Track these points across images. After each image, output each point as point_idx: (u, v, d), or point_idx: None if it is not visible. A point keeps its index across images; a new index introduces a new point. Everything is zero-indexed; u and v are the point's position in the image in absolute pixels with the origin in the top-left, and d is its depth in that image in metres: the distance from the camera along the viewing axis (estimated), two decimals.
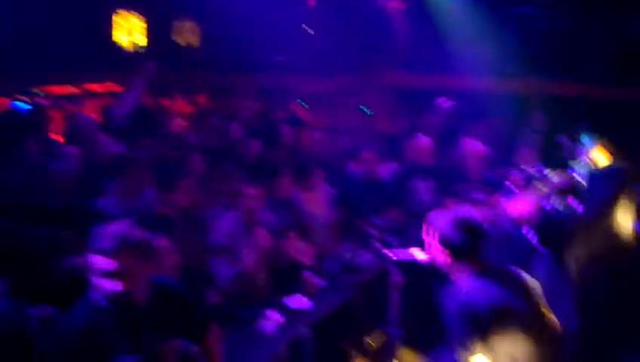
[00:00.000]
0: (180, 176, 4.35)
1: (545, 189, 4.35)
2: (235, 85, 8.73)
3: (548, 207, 4.25)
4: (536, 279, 4.41)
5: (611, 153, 4.39)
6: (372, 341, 4.77)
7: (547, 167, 4.60)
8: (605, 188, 3.18)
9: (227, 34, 8.59)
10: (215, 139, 6.38)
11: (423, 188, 5.60)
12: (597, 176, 3.26)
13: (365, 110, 8.41)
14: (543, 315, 2.55)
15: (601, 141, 4.42)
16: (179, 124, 6.53)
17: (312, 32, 9.53)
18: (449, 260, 2.59)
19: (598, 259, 3.10)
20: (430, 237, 2.65)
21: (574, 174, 4.31)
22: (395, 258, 3.13)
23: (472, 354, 2.43)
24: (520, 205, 4.59)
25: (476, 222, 2.59)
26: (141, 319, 2.42)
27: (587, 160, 4.41)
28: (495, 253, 5.04)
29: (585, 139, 4.45)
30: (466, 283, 2.53)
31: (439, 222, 2.61)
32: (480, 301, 2.42)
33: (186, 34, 9.97)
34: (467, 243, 2.53)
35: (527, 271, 4.80)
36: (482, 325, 2.38)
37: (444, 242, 2.58)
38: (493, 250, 5.09)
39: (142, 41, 9.65)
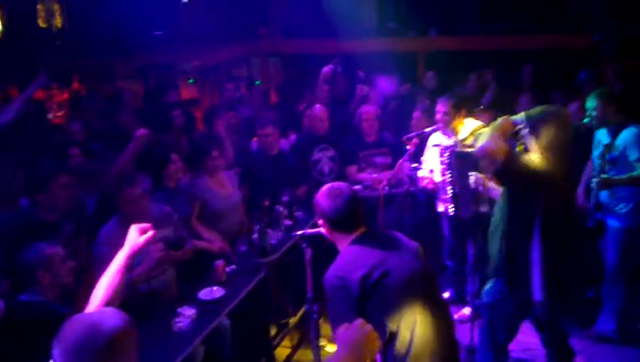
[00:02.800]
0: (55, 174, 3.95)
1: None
2: (111, 67, 8.17)
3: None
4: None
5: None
6: (291, 318, 4.73)
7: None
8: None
9: (96, 12, 7.97)
10: (98, 128, 5.94)
11: (324, 158, 5.54)
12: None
13: (255, 82, 8.20)
14: (421, 277, 2.58)
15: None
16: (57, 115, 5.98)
17: (186, 0, 9.06)
18: (328, 231, 2.66)
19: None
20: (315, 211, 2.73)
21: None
22: (302, 233, 3.07)
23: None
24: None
25: (347, 192, 2.63)
26: None
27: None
28: (396, 215, 5.19)
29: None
30: (342, 253, 2.60)
31: (316, 196, 2.68)
32: (353, 269, 2.46)
33: (48, 15, 9.10)
34: (338, 213, 2.58)
35: (429, 229, 5.01)
36: (353, 294, 2.42)
37: (320, 214, 2.65)
38: (396, 210, 5.24)
39: None
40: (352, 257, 2.54)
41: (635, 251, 4.30)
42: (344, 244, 2.62)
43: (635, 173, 4.10)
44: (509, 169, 3.25)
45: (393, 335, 2.44)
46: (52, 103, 7.06)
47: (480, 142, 3.34)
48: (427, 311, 2.50)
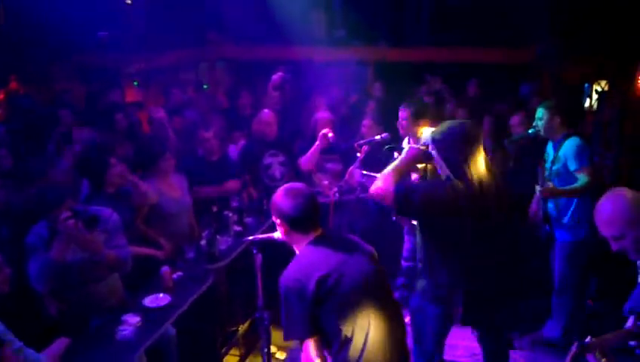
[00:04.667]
0: None
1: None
2: (51, 67, 7.86)
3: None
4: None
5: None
6: (240, 326, 4.63)
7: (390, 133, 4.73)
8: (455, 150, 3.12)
9: (35, 10, 7.63)
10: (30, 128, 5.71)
11: (274, 163, 5.47)
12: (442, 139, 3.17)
13: (203, 86, 8.06)
14: (375, 281, 2.57)
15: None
16: None
17: (129, 2, 8.83)
18: (286, 231, 2.60)
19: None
20: (272, 212, 2.66)
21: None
22: (253, 238, 2.99)
23: (306, 336, 2.42)
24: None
25: (306, 192, 2.59)
26: None
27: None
28: (347, 221, 5.17)
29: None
30: (299, 254, 2.56)
31: (274, 196, 2.62)
32: (311, 271, 2.42)
33: None
34: (298, 212, 2.53)
35: (380, 235, 5.01)
36: (308, 298, 2.38)
37: (278, 213, 2.59)
38: (347, 216, 5.22)
39: None
40: (310, 258, 2.50)
41: (581, 263, 4.39)
42: (301, 245, 2.58)
43: (576, 185, 4.19)
44: (404, 208, 3.10)
45: (347, 340, 2.41)
46: None
47: (374, 184, 3.14)
48: (380, 315, 2.50)
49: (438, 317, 3.35)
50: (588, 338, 2.32)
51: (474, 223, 3.07)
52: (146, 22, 8.53)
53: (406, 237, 4.83)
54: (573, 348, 2.34)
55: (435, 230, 3.19)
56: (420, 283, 3.40)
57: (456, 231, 3.08)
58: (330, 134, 5.11)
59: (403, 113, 4.49)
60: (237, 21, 8.96)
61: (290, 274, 2.46)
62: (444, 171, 3.14)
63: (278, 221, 2.61)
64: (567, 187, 4.24)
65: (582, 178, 4.18)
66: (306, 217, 2.55)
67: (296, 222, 2.55)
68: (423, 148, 3.27)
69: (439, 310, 3.32)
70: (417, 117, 4.44)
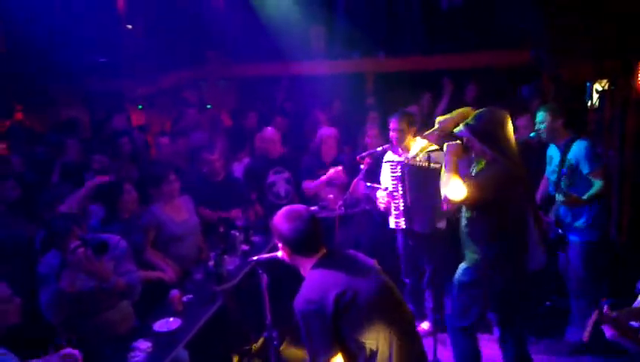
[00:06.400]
0: None
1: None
2: (55, 95, 7.92)
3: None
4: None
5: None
6: (253, 345, 4.62)
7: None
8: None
9: (36, 39, 7.71)
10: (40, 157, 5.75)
11: (279, 180, 5.49)
12: None
13: (206, 105, 8.10)
14: (388, 293, 2.59)
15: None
16: None
17: (130, 27, 8.90)
18: (289, 255, 2.61)
19: None
20: (274, 235, 2.67)
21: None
22: (257, 258, 3.01)
23: (332, 354, 2.42)
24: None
25: (306, 215, 2.59)
26: None
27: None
28: (353, 234, 5.17)
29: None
30: (309, 277, 2.55)
31: (274, 219, 2.63)
32: (326, 291, 2.42)
33: None
34: (298, 236, 2.54)
35: (384, 246, 5.01)
36: (328, 316, 2.39)
37: (279, 237, 2.60)
38: (353, 229, 5.22)
39: None
40: (321, 279, 2.50)
41: (597, 263, 4.37)
42: (307, 267, 2.58)
43: (593, 190, 4.20)
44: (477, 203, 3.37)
45: (373, 354, 2.42)
46: None
47: (444, 191, 3.41)
48: (400, 325, 2.51)
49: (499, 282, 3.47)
50: (605, 309, 2.48)
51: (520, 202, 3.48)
52: (146, 45, 8.58)
53: (402, 255, 4.82)
54: (594, 316, 2.45)
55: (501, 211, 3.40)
56: (473, 257, 3.53)
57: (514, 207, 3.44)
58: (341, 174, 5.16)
59: (395, 124, 4.53)
60: (236, 39, 9.02)
61: (304, 297, 2.46)
62: (486, 156, 3.40)
63: (280, 244, 2.63)
64: (588, 194, 4.24)
65: (597, 182, 4.21)
66: (307, 240, 2.56)
67: (298, 246, 2.57)
68: (458, 142, 3.48)
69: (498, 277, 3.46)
70: (409, 126, 4.51)
